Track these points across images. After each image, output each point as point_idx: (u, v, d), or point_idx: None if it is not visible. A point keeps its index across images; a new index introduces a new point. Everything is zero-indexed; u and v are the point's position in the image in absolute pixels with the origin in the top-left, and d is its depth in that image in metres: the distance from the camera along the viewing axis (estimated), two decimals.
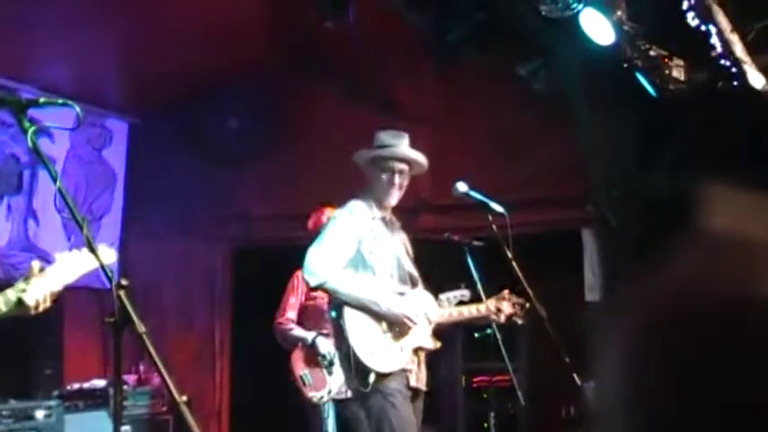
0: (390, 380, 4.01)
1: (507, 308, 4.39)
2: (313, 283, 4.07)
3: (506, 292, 4.41)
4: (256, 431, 6.78)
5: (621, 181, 5.82)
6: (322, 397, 5.23)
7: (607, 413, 0.72)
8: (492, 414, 6.09)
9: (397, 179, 4.20)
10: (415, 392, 4.14)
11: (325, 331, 5.17)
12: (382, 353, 4.04)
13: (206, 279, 7.21)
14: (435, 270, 4.54)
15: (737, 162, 4.12)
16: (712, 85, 4.58)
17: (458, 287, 4.46)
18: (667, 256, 0.71)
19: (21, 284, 2.79)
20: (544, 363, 5.01)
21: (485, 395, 6.55)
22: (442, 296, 4.39)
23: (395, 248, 4.24)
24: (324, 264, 4.02)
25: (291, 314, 5.43)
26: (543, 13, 4.76)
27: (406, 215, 4.65)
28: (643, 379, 0.68)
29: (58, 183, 2.47)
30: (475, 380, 6.69)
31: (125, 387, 5.83)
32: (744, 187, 0.73)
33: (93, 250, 2.51)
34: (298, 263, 4.27)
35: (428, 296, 4.32)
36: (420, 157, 4.27)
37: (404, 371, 4.07)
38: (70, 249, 2.91)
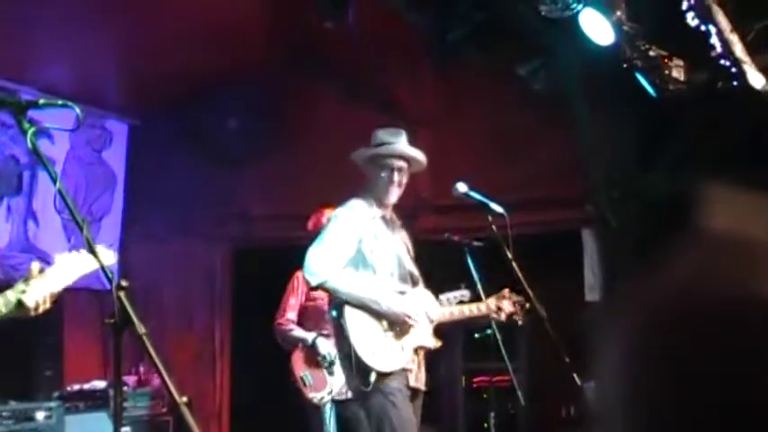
0: (391, 379, 4.01)
1: (508, 306, 4.39)
2: (313, 283, 4.07)
3: (507, 290, 4.42)
4: None
5: (621, 181, 5.82)
6: (322, 398, 5.22)
7: (607, 413, 0.72)
8: (492, 414, 6.10)
9: (396, 177, 4.19)
10: (414, 392, 4.13)
11: (325, 332, 5.17)
12: (383, 352, 4.04)
13: (206, 279, 7.21)
14: (435, 270, 4.53)
15: (737, 162, 4.11)
16: (712, 86, 4.57)
17: (458, 287, 4.46)
18: (667, 257, 0.71)
19: (20, 286, 2.79)
20: (544, 363, 5.00)
21: (485, 395, 6.54)
22: (442, 296, 4.39)
23: (395, 247, 4.24)
24: (324, 263, 4.02)
25: (291, 315, 5.42)
26: (543, 13, 4.76)
27: (406, 215, 4.64)
28: (643, 379, 0.68)
29: (57, 184, 2.47)
30: (475, 380, 6.68)
31: (125, 388, 5.84)
32: (744, 187, 0.73)
33: (92, 251, 2.51)
34: (298, 263, 4.27)
35: (429, 295, 4.32)
36: (418, 154, 4.26)
37: (404, 370, 4.08)
38: (70, 250, 2.91)
